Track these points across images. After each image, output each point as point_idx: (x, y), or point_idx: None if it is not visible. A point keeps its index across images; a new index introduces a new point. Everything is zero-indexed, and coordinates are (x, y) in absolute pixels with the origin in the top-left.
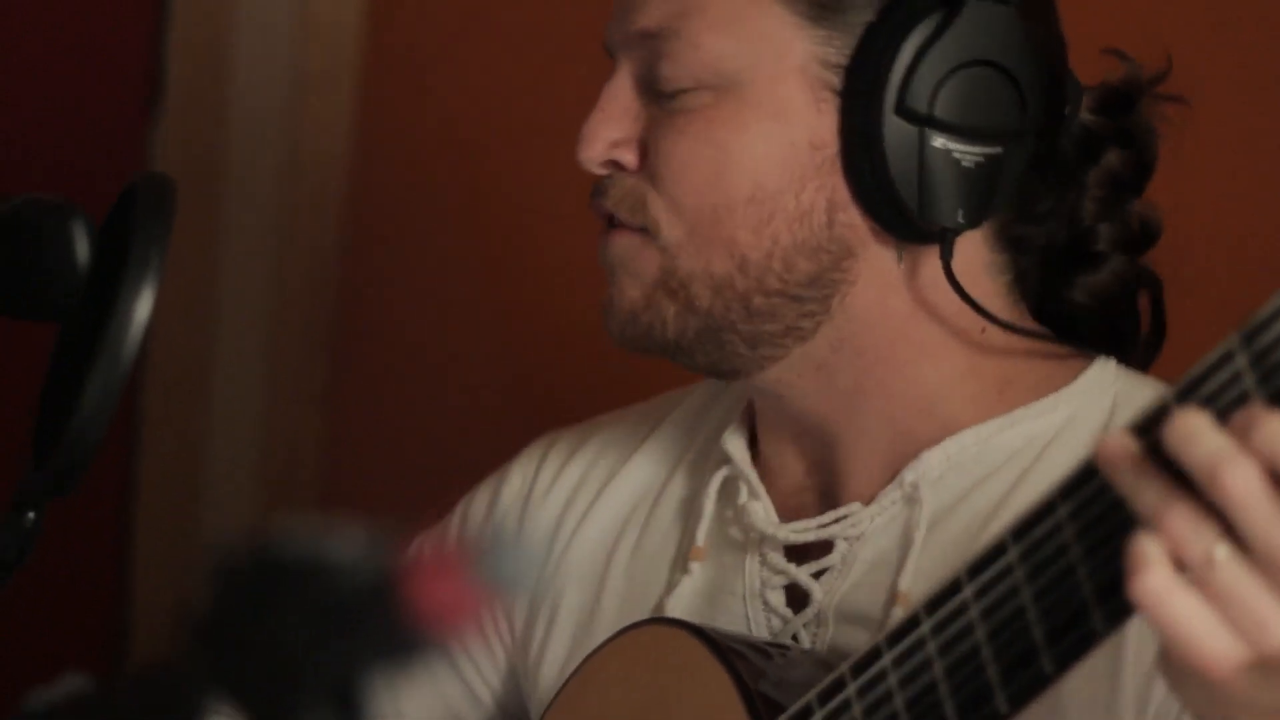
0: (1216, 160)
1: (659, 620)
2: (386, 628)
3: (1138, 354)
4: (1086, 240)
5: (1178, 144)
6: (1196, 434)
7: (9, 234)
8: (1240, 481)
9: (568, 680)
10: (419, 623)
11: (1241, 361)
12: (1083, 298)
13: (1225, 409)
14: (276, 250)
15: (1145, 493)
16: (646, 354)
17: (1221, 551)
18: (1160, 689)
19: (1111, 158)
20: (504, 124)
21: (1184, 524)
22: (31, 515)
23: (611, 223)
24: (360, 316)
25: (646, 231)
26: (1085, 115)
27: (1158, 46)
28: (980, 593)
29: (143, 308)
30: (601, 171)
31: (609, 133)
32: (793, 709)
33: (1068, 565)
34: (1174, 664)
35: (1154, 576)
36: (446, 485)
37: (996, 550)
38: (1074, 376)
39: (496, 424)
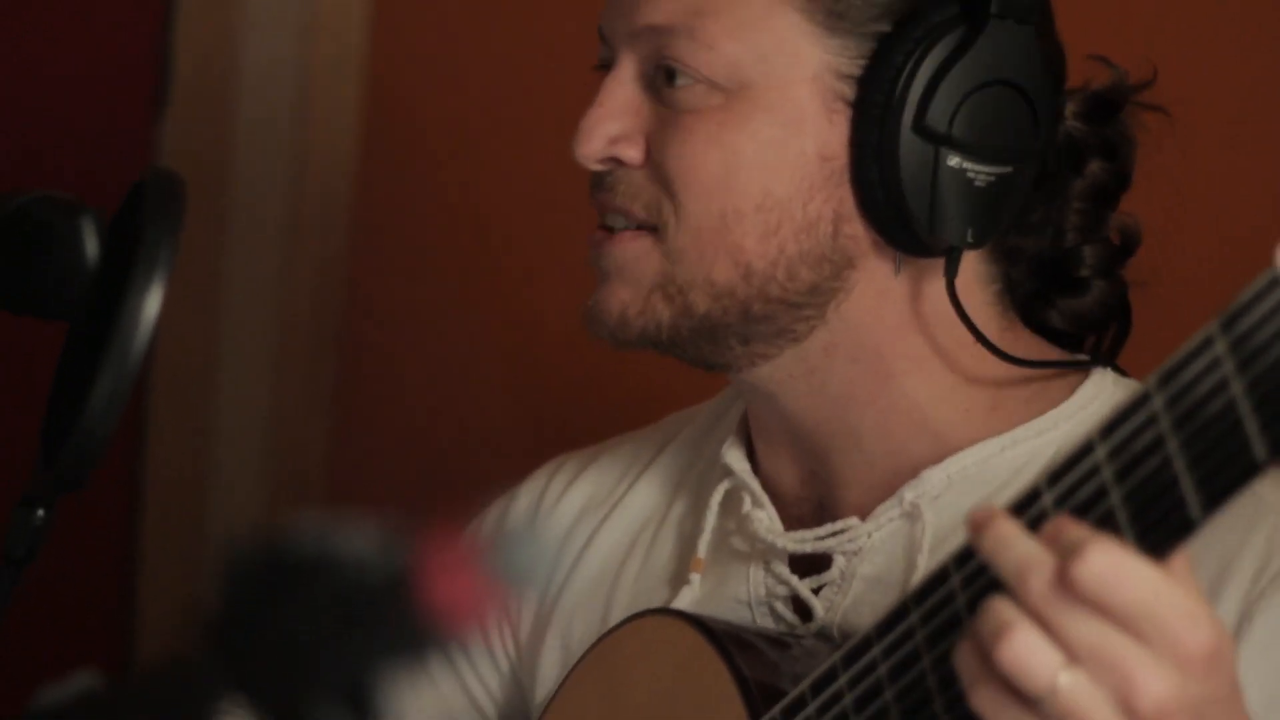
0: (1195, 160)
1: (658, 611)
2: (399, 623)
3: (1104, 352)
4: (1072, 263)
5: (1159, 148)
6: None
7: (18, 231)
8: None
9: (569, 673)
10: (432, 618)
11: (1221, 347)
12: (1061, 322)
13: (1204, 398)
14: (284, 248)
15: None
16: (635, 349)
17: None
18: None
19: (1095, 168)
20: (513, 121)
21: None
22: (41, 512)
23: (610, 228)
24: (368, 316)
25: (655, 232)
26: (1070, 123)
27: (1137, 50)
28: (924, 619)
29: (152, 305)
30: (599, 168)
31: (609, 128)
32: (787, 699)
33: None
34: None
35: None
36: (453, 486)
37: (939, 577)
38: (1070, 389)
39: (503, 425)
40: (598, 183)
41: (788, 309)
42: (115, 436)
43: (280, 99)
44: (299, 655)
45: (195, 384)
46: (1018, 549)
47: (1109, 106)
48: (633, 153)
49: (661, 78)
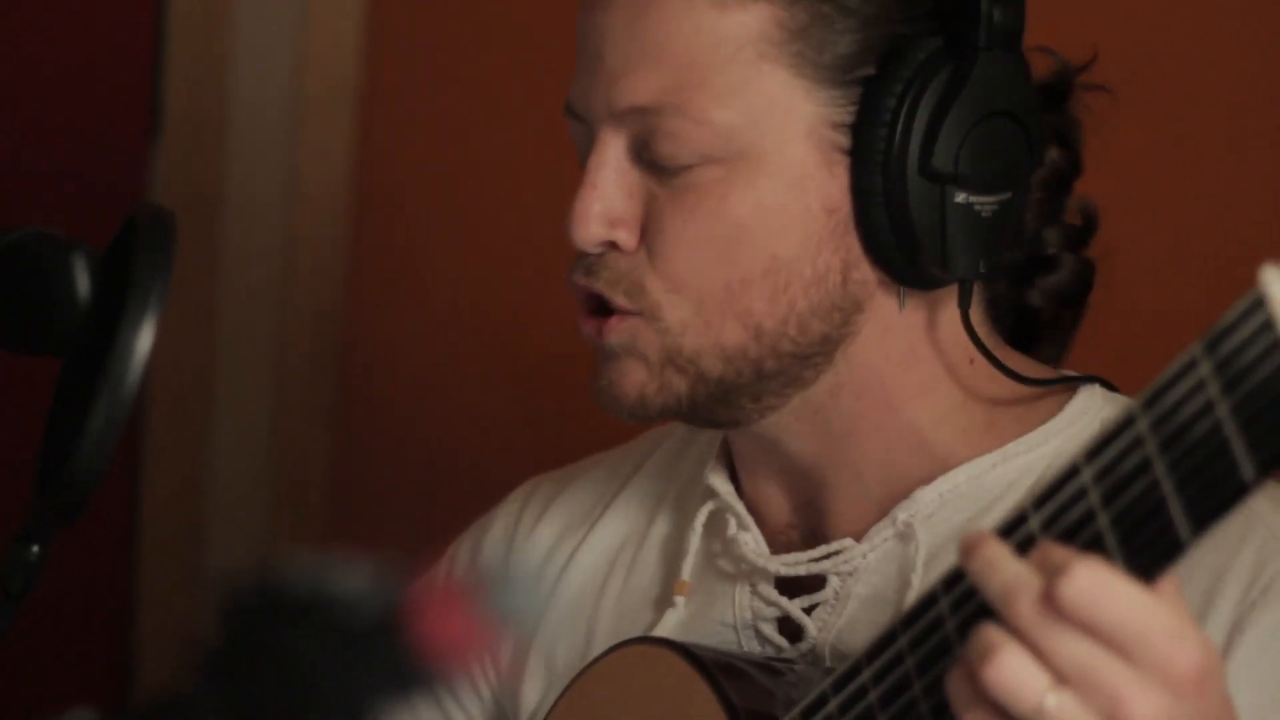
0: (1144, 152)
1: (644, 640)
2: (394, 660)
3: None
4: (1036, 246)
5: (1105, 134)
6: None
7: (10, 267)
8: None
9: (554, 704)
10: (426, 654)
11: (1205, 369)
12: (1041, 300)
13: (1190, 420)
14: (279, 276)
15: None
16: (651, 423)
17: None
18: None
19: (1053, 156)
20: (505, 147)
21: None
22: (36, 548)
23: (600, 309)
24: (364, 338)
25: (642, 315)
26: None
27: (1083, 42)
28: (913, 644)
29: (144, 341)
30: (597, 250)
31: (606, 209)
32: None
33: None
34: None
35: None
36: (454, 506)
37: (928, 601)
38: (1059, 406)
39: (503, 440)
40: (581, 268)
41: (799, 361)
42: (111, 469)
43: (272, 128)
44: (296, 690)
45: (192, 410)
46: (1005, 571)
47: (1057, 94)
48: (627, 236)
49: (652, 156)
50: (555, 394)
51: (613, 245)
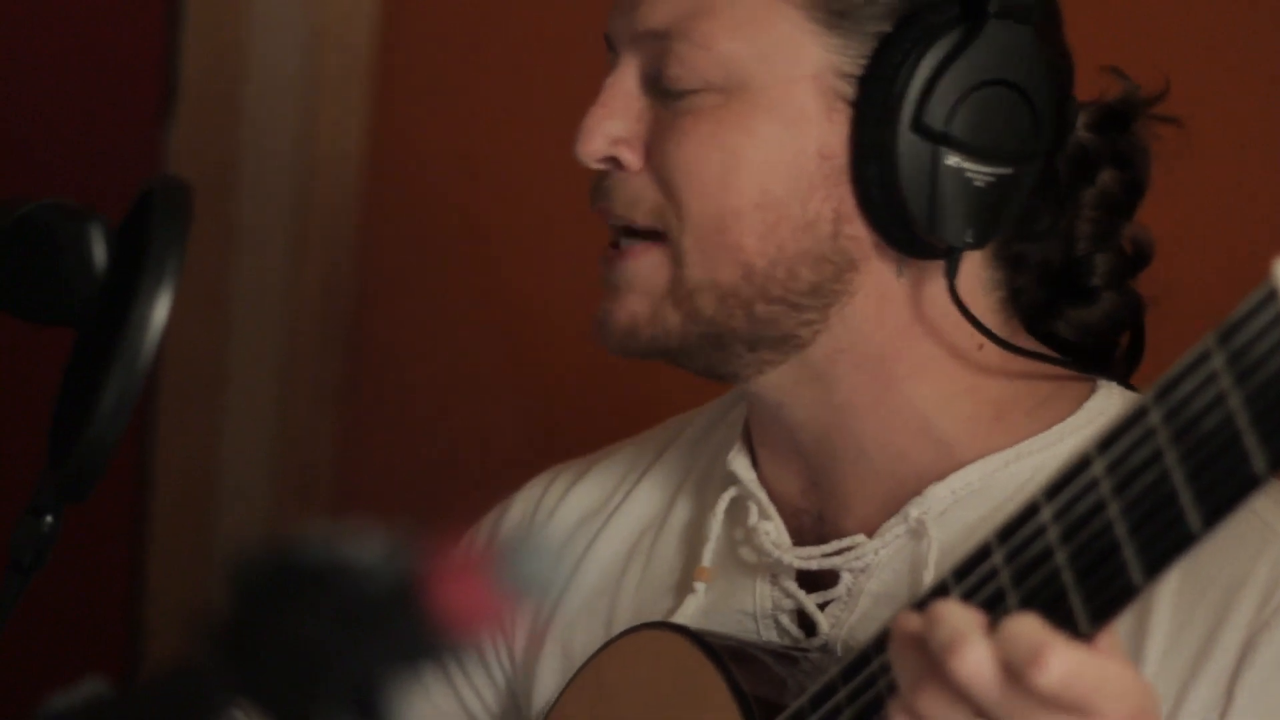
0: (1202, 173)
1: (656, 625)
2: (407, 630)
3: (1117, 369)
4: (1082, 272)
5: (1171, 162)
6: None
7: (26, 238)
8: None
9: (565, 687)
10: (440, 625)
11: (1218, 360)
12: (1069, 332)
13: (1202, 411)
14: (291, 253)
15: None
16: (643, 359)
17: None
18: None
19: (1106, 178)
20: (517, 129)
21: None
22: (49, 519)
23: (618, 244)
24: (375, 317)
25: (663, 239)
26: (1081, 133)
27: (1152, 63)
28: None
29: (159, 312)
30: (599, 167)
31: (611, 128)
32: (786, 713)
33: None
34: None
35: None
36: (460, 487)
37: (938, 590)
38: (1076, 403)
39: (509, 426)
40: (597, 191)
41: (790, 310)
42: (122, 442)
43: (287, 106)
44: (307, 661)
45: (203, 386)
46: (971, 655)
47: (1120, 118)
48: (631, 156)
49: (661, 81)
50: (565, 382)
51: (617, 164)
